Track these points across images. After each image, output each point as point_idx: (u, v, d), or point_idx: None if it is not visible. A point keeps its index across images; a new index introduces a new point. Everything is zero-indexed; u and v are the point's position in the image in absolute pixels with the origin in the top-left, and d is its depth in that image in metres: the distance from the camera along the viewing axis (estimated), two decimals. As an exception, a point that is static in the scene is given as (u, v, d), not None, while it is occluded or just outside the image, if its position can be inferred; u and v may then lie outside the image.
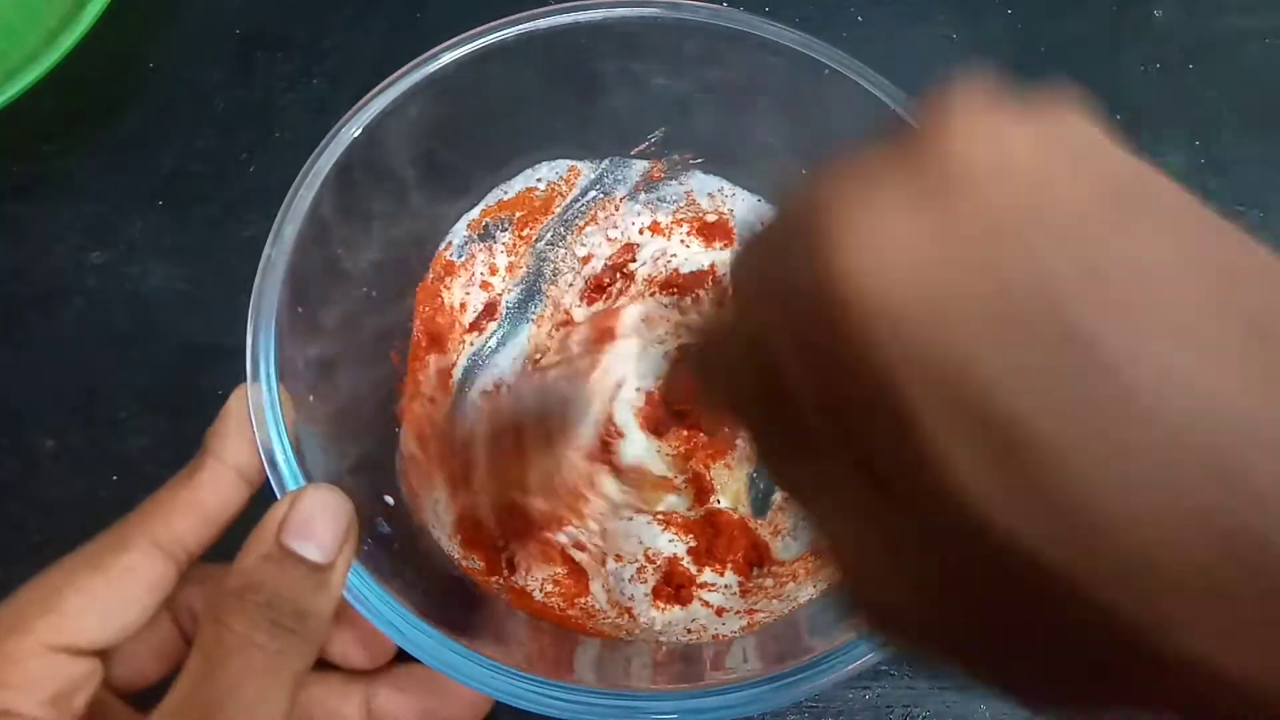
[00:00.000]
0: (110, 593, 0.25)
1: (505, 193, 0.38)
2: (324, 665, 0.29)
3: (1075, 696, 0.16)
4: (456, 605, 0.33)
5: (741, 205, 0.38)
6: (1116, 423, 0.14)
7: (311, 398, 0.29)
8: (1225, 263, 0.15)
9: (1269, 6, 0.46)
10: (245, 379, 0.27)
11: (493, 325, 0.38)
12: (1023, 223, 0.15)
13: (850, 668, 0.26)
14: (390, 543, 0.32)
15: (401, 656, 0.28)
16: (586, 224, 0.39)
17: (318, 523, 0.25)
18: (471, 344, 0.38)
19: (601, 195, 0.39)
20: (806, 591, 0.33)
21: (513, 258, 0.39)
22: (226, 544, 0.26)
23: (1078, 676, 0.16)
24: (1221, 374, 0.14)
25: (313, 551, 0.24)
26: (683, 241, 0.39)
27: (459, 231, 0.37)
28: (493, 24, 0.32)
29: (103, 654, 0.25)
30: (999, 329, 0.15)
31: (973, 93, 0.17)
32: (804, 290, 0.16)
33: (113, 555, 0.25)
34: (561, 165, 0.38)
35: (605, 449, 0.35)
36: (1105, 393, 0.14)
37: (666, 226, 0.39)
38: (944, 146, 0.16)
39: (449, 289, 0.38)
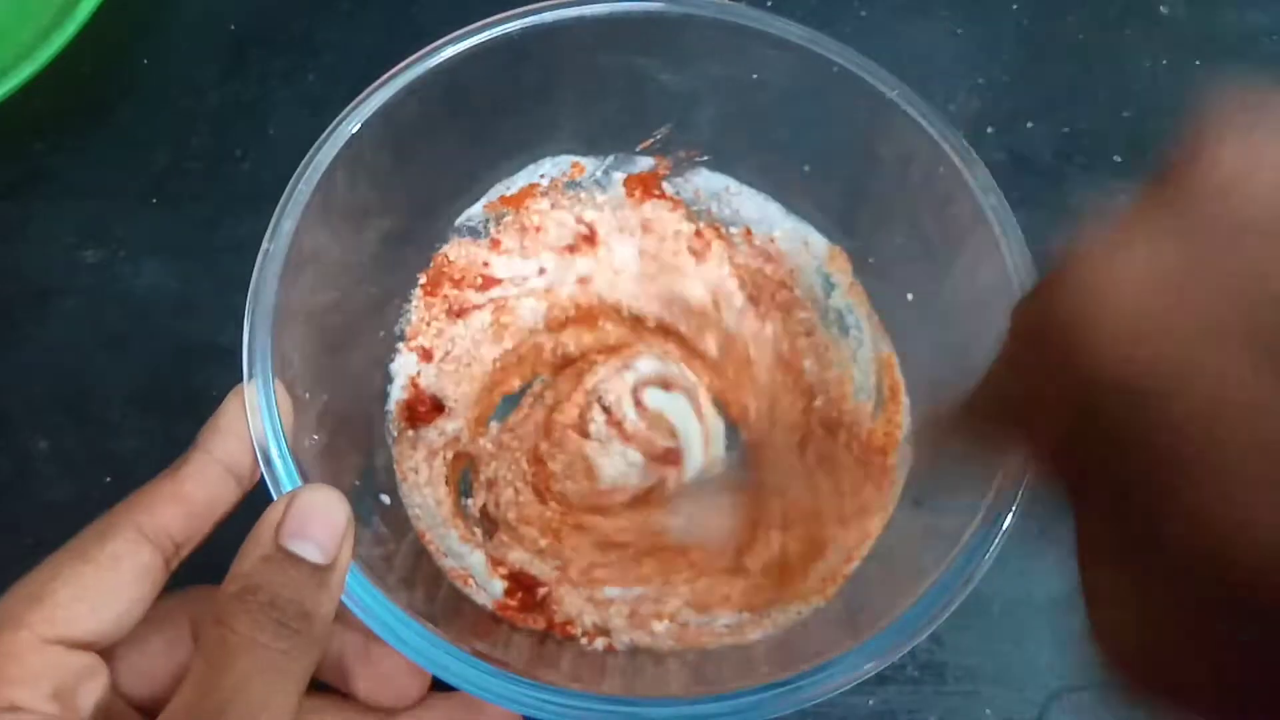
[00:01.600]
0: (97, 581, 0.25)
1: (508, 188, 0.37)
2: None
3: None
4: (452, 606, 0.33)
5: (748, 204, 0.38)
6: None
7: (308, 395, 0.29)
8: None
9: (1276, 2, 0.45)
10: (240, 378, 0.27)
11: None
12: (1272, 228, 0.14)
13: (853, 674, 0.26)
14: (387, 543, 0.32)
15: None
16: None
17: (316, 523, 0.24)
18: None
19: (605, 192, 0.38)
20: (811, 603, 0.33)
21: None
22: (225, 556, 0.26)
23: None
24: None
25: (312, 552, 0.24)
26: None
27: (461, 227, 0.37)
28: (496, 18, 0.32)
29: (104, 651, 0.25)
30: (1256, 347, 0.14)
31: (1229, 109, 0.16)
32: (1063, 328, 0.16)
33: (98, 545, 0.25)
34: (565, 161, 0.37)
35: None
36: None
37: None
38: (1200, 174, 0.16)
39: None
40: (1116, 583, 0.17)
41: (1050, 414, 0.17)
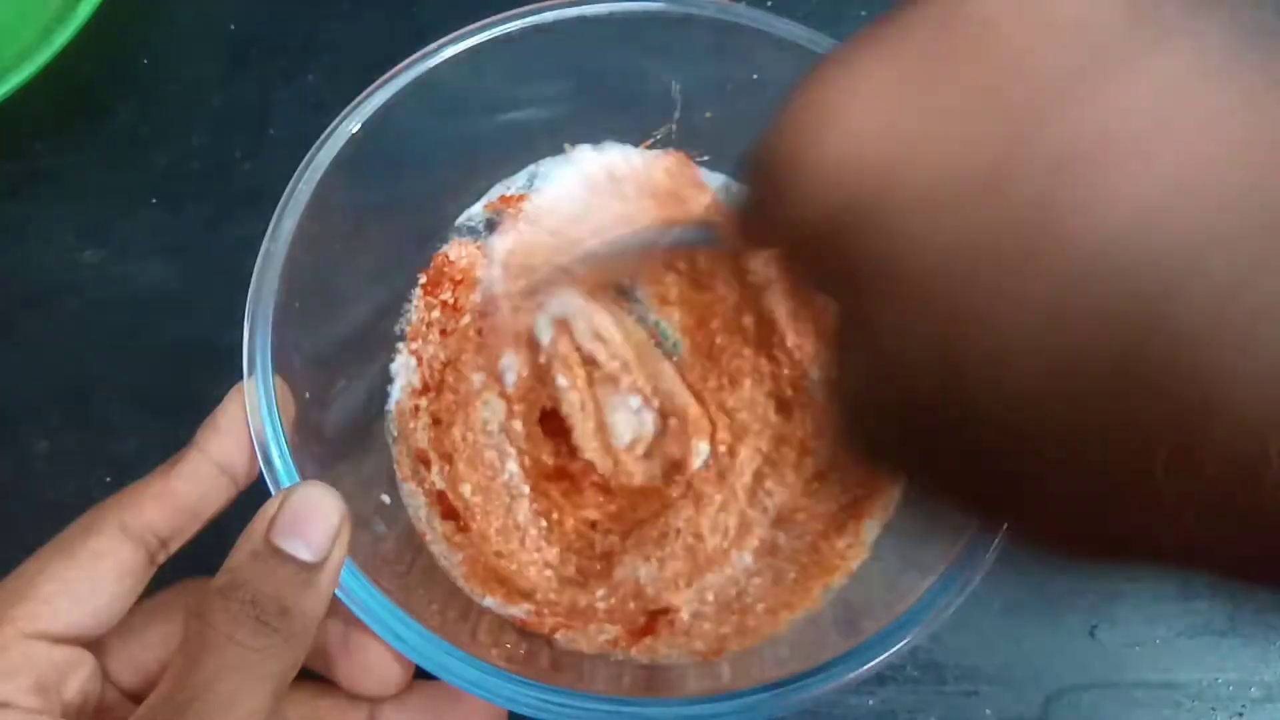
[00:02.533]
0: (80, 577, 0.25)
1: (508, 188, 0.37)
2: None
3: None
4: (453, 607, 0.33)
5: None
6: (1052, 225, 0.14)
7: (308, 394, 0.29)
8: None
9: (1275, 2, 0.45)
10: (241, 379, 0.27)
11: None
12: (982, 87, 0.15)
13: (853, 674, 0.26)
14: (386, 542, 0.32)
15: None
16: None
17: (309, 521, 0.24)
18: None
19: (606, 191, 0.38)
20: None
21: None
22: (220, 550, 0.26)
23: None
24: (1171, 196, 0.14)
25: (302, 550, 0.24)
26: None
27: (461, 227, 0.37)
28: (496, 17, 0.32)
29: (92, 646, 0.25)
30: (963, 159, 0.15)
31: None
32: (787, 147, 0.17)
33: (81, 541, 0.25)
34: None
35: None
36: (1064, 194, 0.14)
37: None
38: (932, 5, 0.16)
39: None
40: (854, 358, 0.19)
41: (783, 230, 0.19)
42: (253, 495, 0.27)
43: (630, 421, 0.36)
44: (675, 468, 0.36)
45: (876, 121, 0.16)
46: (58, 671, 0.25)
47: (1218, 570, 0.16)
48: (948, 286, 0.15)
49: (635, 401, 0.37)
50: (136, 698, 0.27)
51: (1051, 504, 0.17)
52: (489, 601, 0.33)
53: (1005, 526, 0.20)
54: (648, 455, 0.36)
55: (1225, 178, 0.14)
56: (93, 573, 0.25)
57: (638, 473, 0.36)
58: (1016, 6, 0.16)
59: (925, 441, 0.18)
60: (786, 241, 0.20)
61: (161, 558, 0.26)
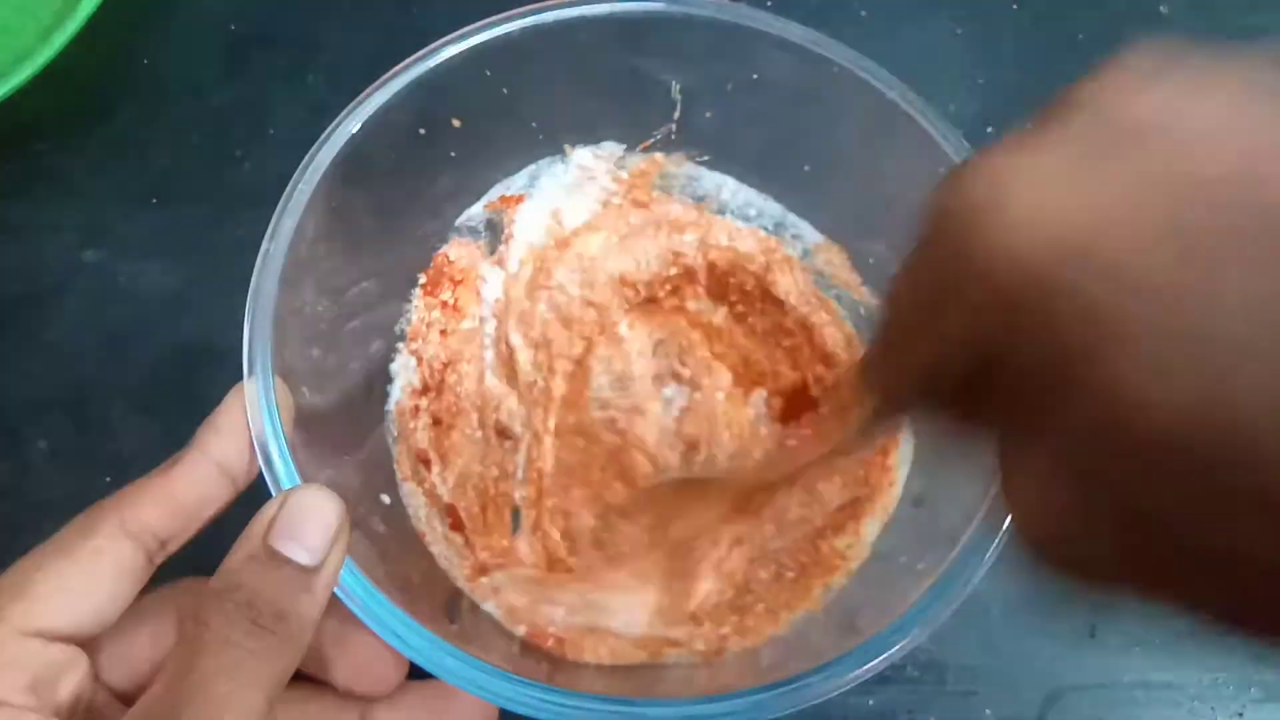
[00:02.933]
0: (77, 576, 0.25)
1: (508, 188, 0.37)
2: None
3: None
4: (453, 607, 0.33)
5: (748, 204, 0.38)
6: None
7: (309, 394, 0.29)
8: None
9: (1276, 3, 0.45)
10: (241, 378, 0.27)
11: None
12: (1165, 155, 0.15)
13: (853, 674, 0.26)
14: (386, 542, 0.32)
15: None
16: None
17: (307, 524, 0.24)
18: None
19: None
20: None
21: None
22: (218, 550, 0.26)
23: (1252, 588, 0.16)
24: None
25: (300, 553, 0.24)
26: None
27: (461, 227, 0.37)
28: (495, 18, 0.32)
29: (86, 646, 0.25)
30: (1172, 241, 0.14)
31: (1134, 55, 0.17)
32: (978, 259, 0.16)
33: (79, 540, 0.25)
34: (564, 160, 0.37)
35: None
36: None
37: None
38: (1096, 97, 0.16)
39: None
40: (1031, 469, 0.18)
41: (960, 315, 0.18)
42: (252, 496, 0.27)
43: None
44: (693, 448, 0.36)
45: (1058, 192, 0.16)
46: (52, 670, 0.24)
47: None
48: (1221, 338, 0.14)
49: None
50: (126, 698, 0.27)
51: None
52: (489, 606, 0.33)
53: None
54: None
55: None
56: (90, 572, 0.25)
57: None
58: (1174, 110, 0.16)
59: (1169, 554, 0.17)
60: (971, 325, 0.18)
61: (160, 558, 0.26)
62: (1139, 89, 0.16)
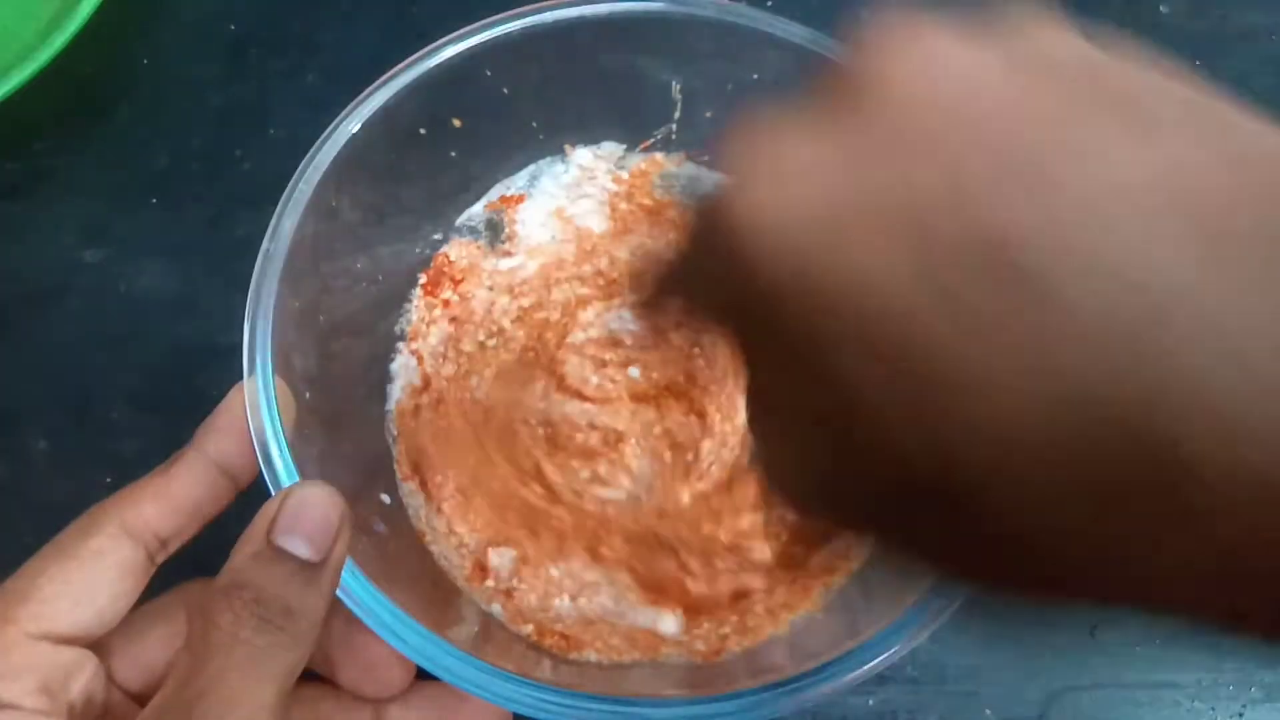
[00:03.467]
0: (80, 577, 0.25)
1: (508, 187, 0.37)
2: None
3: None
4: (454, 608, 0.33)
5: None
6: (1010, 315, 0.14)
7: (309, 394, 0.29)
8: (1200, 160, 0.14)
9: (1276, 2, 0.45)
10: (241, 378, 0.27)
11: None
12: (936, 133, 0.15)
13: (853, 674, 0.26)
14: (387, 542, 0.32)
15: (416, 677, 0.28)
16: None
17: (309, 519, 0.24)
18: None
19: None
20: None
21: None
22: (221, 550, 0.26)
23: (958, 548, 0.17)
24: (1146, 264, 0.14)
25: (303, 549, 0.24)
26: None
27: (461, 227, 0.37)
28: (495, 18, 0.32)
29: (95, 647, 0.26)
30: (904, 243, 0.15)
31: (901, 20, 0.17)
32: (721, 230, 0.17)
33: (81, 540, 0.25)
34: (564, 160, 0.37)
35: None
36: (1007, 288, 0.14)
37: None
38: (860, 72, 0.17)
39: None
40: (775, 421, 0.19)
41: (713, 295, 0.19)
42: (254, 495, 0.27)
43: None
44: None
45: (819, 173, 0.16)
46: (62, 672, 0.25)
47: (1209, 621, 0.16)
48: (908, 348, 0.15)
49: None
50: (141, 699, 0.27)
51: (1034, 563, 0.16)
52: (494, 608, 0.33)
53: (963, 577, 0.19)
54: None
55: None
56: (94, 572, 0.25)
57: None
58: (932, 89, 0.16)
59: (853, 500, 0.18)
60: (714, 302, 0.20)
61: (161, 558, 0.26)
62: (887, 67, 0.16)
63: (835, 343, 0.16)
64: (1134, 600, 0.17)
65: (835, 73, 0.17)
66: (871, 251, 0.15)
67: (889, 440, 0.16)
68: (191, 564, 0.27)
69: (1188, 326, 0.13)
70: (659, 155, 0.38)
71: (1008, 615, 0.33)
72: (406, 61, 0.31)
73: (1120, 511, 0.14)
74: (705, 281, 0.20)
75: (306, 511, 0.24)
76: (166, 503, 0.26)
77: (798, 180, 0.16)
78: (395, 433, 0.36)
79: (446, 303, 0.37)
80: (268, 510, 0.25)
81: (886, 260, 0.15)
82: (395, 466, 0.35)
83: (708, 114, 0.36)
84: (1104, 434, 0.14)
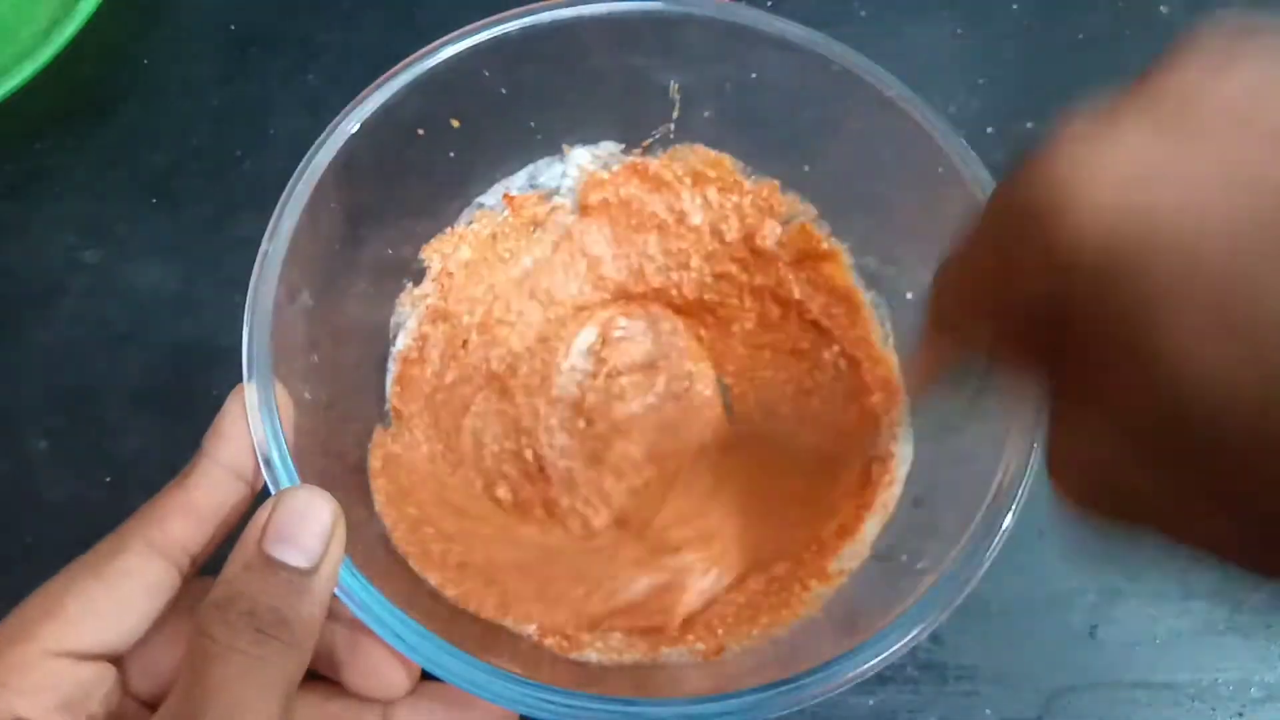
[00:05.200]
0: (108, 596, 0.25)
1: (508, 188, 0.37)
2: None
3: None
4: (453, 605, 0.33)
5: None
6: None
7: (308, 395, 0.29)
8: None
9: (1275, 3, 0.45)
10: (241, 378, 0.27)
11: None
12: (1242, 146, 0.16)
13: (853, 674, 0.26)
14: (386, 542, 0.32)
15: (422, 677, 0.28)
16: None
17: (300, 527, 0.24)
18: None
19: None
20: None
21: None
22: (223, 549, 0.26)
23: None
24: None
25: (295, 556, 0.24)
26: None
27: (459, 227, 0.37)
28: (495, 17, 0.32)
29: (115, 660, 0.26)
30: (1236, 212, 0.15)
31: (1210, 32, 0.17)
32: (1047, 224, 0.17)
33: (109, 560, 0.25)
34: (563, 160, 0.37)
35: None
36: None
37: None
38: (1178, 79, 0.17)
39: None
40: (1079, 424, 0.19)
41: (1020, 290, 0.19)
42: (264, 496, 0.27)
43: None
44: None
45: (1139, 172, 0.16)
46: (83, 689, 0.25)
47: None
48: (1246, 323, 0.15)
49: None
50: (152, 705, 0.27)
51: None
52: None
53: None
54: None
55: None
56: (120, 591, 0.25)
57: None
58: (1257, 96, 0.16)
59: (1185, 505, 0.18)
60: (1031, 299, 0.19)
61: (189, 572, 0.26)
62: (1220, 71, 0.17)
63: (1177, 323, 0.16)
64: None
65: (1150, 74, 0.17)
66: (1202, 218, 0.15)
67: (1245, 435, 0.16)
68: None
69: None
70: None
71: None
72: (405, 61, 0.31)
73: None
74: (1010, 268, 0.19)
75: (297, 518, 0.24)
76: (191, 515, 0.26)
77: (1115, 155, 0.16)
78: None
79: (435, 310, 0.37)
80: (258, 519, 0.25)
81: (1218, 227, 0.15)
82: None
83: (706, 114, 0.36)
84: None
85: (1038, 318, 0.19)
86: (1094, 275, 0.17)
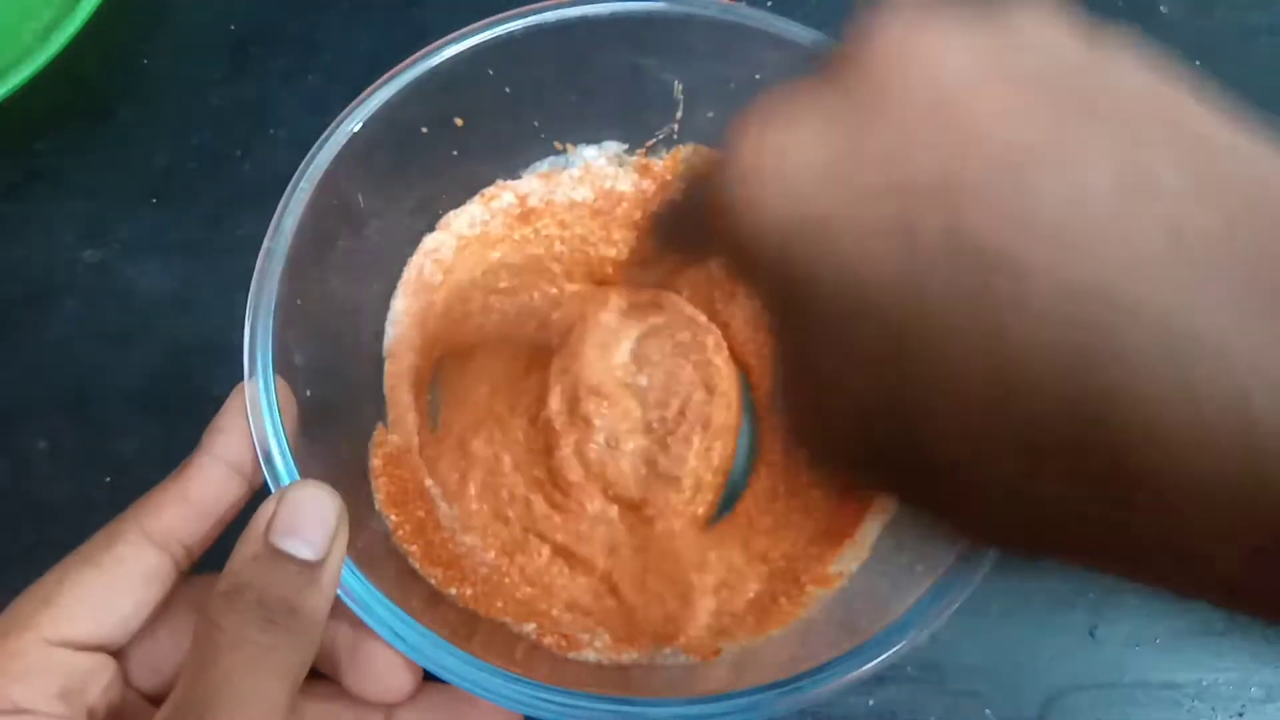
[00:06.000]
0: (102, 585, 0.25)
1: (511, 187, 0.37)
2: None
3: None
4: (453, 604, 0.33)
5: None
6: (977, 312, 0.15)
7: (309, 393, 0.29)
8: (1180, 166, 0.15)
9: (1276, 2, 0.45)
10: (242, 378, 0.27)
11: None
12: (928, 129, 0.16)
13: (852, 674, 0.26)
14: (386, 541, 0.32)
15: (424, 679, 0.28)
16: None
17: (307, 519, 0.24)
18: None
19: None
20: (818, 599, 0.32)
21: None
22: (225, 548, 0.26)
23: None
24: (1105, 268, 0.14)
25: (302, 549, 0.24)
26: None
27: (461, 226, 0.37)
28: (496, 17, 0.32)
29: (115, 653, 0.26)
30: (890, 232, 0.16)
31: (905, 9, 0.17)
32: (721, 203, 0.18)
33: (105, 549, 0.25)
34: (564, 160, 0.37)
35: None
36: (978, 286, 0.15)
37: None
38: (860, 59, 0.17)
39: None
40: (796, 371, 0.20)
41: (713, 249, 0.21)
42: (262, 494, 0.27)
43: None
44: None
45: (815, 164, 0.17)
46: (81, 678, 0.25)
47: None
48: (886, 320, 0.16)
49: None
50: (156, 700, 0.27)
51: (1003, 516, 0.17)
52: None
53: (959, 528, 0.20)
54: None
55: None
56: (116, 580, 0.25)
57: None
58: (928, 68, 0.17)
59: (872, 454, 0.19)
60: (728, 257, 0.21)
61: (186, 565, 0.26)
62: (892, 53, 0.17)
63: (820, 312, 0.17)
64: (1105, 562, 0.17)
65: (836, 57, 0.18)
66: (858, 237, 0.16)
67: (873, 396, 0.17)
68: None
69: (1141, 337, 0.14)
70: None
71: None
72: (409, 60, 0.31)
73: (1053, 467, 0.15)
74: (701, 238, 0.21)
75: (303, 512, 0.25)
76: (186, 507, 0.26)
77: (790, 159, 0.17)
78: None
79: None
80: (264, 511, 0.25)
81: (872, 246, 0.16)
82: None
83: (709, 114, 0.36)
84: (1045, 408, 0.15)
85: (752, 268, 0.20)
86: (767, 256, 0.18)
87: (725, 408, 0.35)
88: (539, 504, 0.34)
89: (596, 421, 0.34)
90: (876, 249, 0.16)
